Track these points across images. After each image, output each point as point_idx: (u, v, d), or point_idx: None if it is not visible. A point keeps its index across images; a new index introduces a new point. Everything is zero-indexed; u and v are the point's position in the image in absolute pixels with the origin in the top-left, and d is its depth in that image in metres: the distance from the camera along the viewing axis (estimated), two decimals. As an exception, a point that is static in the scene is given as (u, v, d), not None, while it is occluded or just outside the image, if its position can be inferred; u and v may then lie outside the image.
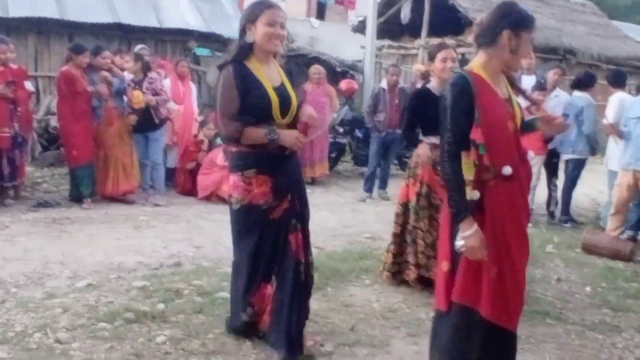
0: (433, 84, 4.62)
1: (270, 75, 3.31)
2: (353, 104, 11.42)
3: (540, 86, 7.23)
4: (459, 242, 2.68)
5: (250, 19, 3.24)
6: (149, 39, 10.86)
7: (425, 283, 4.53)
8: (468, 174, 2.64)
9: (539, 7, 16.10)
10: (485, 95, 2.65)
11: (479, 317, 2.72)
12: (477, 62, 2.77)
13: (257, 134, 3.20)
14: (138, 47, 8.70)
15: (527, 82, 7.87)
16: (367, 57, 13.31)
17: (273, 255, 3.38)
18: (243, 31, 3.26)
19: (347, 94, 11.02)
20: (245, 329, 3.57)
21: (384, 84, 8.76)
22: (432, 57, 4.60)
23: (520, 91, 2.97)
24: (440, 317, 2.92)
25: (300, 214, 3.45)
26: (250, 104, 3.20)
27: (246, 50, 3.27)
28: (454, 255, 2.77)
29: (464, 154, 2.64)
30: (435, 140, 4.14)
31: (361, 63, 13.76)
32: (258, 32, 3.22)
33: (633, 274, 5.36)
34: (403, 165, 10.44)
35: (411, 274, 4.57)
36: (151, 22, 11.02)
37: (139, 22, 10.83)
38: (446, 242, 2.83)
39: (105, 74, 7.30)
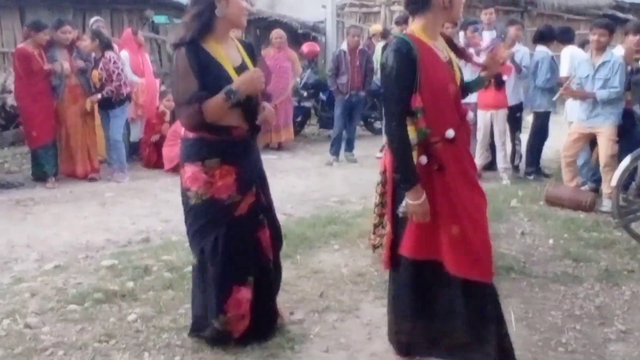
0: None
1: (230, 54, 3.02)
2: (316, 66, 11.36)
3: (500, 39, 7.29)
4: (402, 207, 2.74)
5: None
6: (103, 9, 10.60)
7: None
8: (413, 139, 2.68)
9: (499, -42, 16.04)
10: (427, 59, 2.67)
11: (445, 272, 2.77)
12: (417, 26, 2.78)
13: (216, 102, 2.88)
14: (93, 20, 8.52)
15: (488, 37, 7.91)
16: (329, 18, 13.19)
17: (245, 254, 3.09)
18: (210, 5, 2.89)
19: (310, 57, 10.95)
20: (219, 337, 3.19)
21: (344, 45, 8.71)
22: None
23: (460, 50, 2.98)
24: (394, 278, 2.98)
25: (265, 206, 3.22)
26: (210, 90, 2.90)
27: (209, 27, 2.92)
28: (397, 218, 2.82)
29: (408, 120, 2.67)
30: None
31: (323, 24, 13.64)
32: (232, 6, 2.92)
33: (594, 224, 5.51)
34: (369, 126, 10.50)
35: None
36: (103, -9, 10.73)
37: (92, -9, 10.54)
38: (389, 206, 2.88)
39: (65, 65, 7.12)
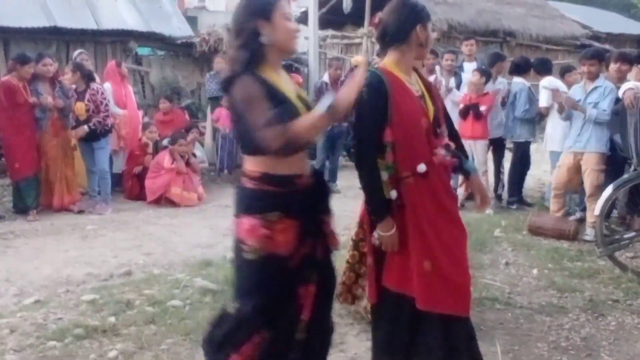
0: None
1: (287, 82, 2.67)
2: (299, 97, 11.38)
3: (482, 71, 7.37)
4: (374, 237, 2.76)
5: (263, 15, 2.54)
6: (87, 41, 10.63)
7: None
8: (384, 174, 2.68)
9: (478, -9, 16.35)
10: (398, 93, 2.68)
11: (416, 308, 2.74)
12: (390, 60, 2.79)
13: (312, 119, 2.42)
14: (76, 53, 8.52)
15: (469, 68, 8.02)
16: (311, 49, 13.27)
17: (278, 306, 2.71)
18: (253, 32, 2.52)
19: (293, 88, 10.98)
20: None
21: (326, 77, 8.78)
22: None
23: (428, 85, 2.96)
24: (375, 311, 2.95)
25: (321, 262, 2.73)
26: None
27: (260, 56, 2.54)
28: (377, 249, 2.81)
29: (378, 155, 2.67)
30: None
31: (306, 55, 13.74)
32: (278, 30, 2.55)
33: (577, 253, 5.53)
34: (352, 157, 10.51)
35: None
36: (89, 24, 10.77)
37: (76, 24, 10.57)
38: (368, 239, 2.86)
39: (49, 98, 7.10)
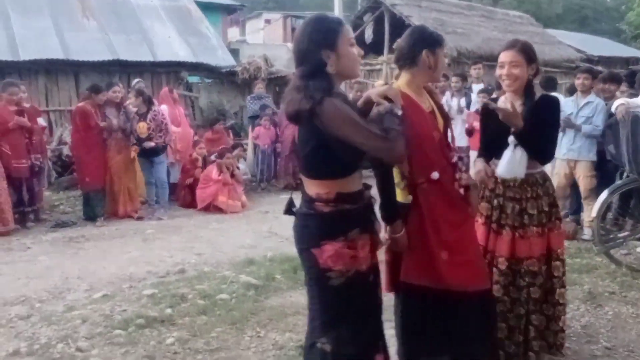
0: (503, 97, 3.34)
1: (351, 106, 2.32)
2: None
3: (487, 91, 7.28)
4: (386, 237, 2.67)
5: (328, 44, 2.25)
6: (145, 71, 10.81)
7: None
8: (400, 182, 2.66)
9: (483, 21, 16.23)
10: (410, 110, 2.63)
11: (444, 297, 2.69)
12: (402, 81, 2.78)
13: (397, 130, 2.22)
14: (135, 81, 8.67)
15: (477, 89, 7.94)
16: (357, 63, 13.34)
17: (378, 320, 2.51)
18: (319, 62, 2.24)
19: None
20: None
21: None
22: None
23: (438, 102, 2.90)
24: (399, 302, 2.90)
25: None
26: (347, 152, 2.23)
27: (330, 86, 2.24)
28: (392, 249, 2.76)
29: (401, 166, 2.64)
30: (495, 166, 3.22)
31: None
32: (344, 58, 2.28)
33: (577, 251, 5.42)
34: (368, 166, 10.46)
35: None
36: (146, 56, 10.97)
37: (135, 57, 10.78)
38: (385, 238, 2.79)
39: (115, 121, 7.25)
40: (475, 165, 3.24)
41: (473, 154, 7.10)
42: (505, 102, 3.18)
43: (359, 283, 2.32)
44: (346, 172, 2.30)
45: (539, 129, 3.02)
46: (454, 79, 8.04)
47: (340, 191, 2.29)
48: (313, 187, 2.33)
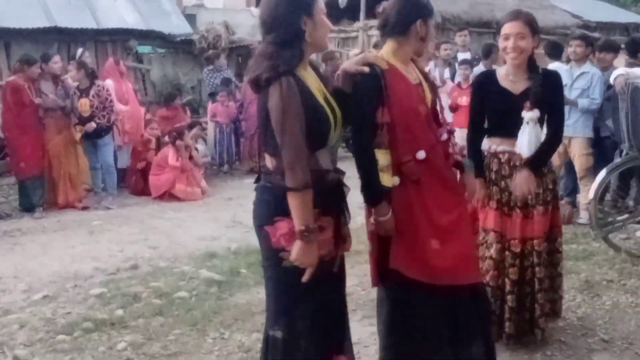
0: (502, 69, 3.49)
1: (315, 82, 2.45)
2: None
3: (469, 62, 7.30)
4: (371, 222, 2.74)
5: (307, 10, 2.36)
6: (88, 40, 10.57)
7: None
8: (383, 160, 2.66)
9: (470, -18, 16.27)
10: (394, 80, 2.67)
11: (434, 290, 2.74)
12: (388, 50, 2.78)
13: (308, 206, 2.30)
14: (80, 51, 8.49)
15: (463, 58, 7.98)
16: (328, 33, 13.27)
17: (341, 317, 2.61)
18: (299, 31, 2.34)
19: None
20: None
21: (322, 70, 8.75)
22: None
23: (426, 75, 2.95)
24: (383, 295, 2.95)
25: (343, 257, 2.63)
26: (310, 130, 2.32)
27: (301, 56, 2.37)
28: (378, 235, 2.80)
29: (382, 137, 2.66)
30: (504, 145, 3.39)
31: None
32: (319, 28, 2.40)
33: (572, 236, 5.53)
34: (350, 147, 10.49)
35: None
36: (88, 23, 10.71)
37: (76, 24, 10.51)
38: (368, 223, 2.84)
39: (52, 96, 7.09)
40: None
41: (457, 132, 7.14)
42: (507, 74, 3.35)
43: (317, 269, 2.35)
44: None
45: (552, 111, 3.28)
46: (444, 46, 8.02)
47: None
48: (270, 160, 2.43)
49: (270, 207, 2.41)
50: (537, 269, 3.32)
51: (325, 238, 2.40)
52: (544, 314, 3.40)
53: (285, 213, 2.33)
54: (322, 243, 2.38)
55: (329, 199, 2.42)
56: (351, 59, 2.60)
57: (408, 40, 2.76)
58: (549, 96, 3.27)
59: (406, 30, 2.74)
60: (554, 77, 3.41)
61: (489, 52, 7.68)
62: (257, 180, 2.53)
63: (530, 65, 3.32)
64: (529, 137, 3.25)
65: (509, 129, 3.31)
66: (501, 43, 3.32)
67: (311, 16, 2.36)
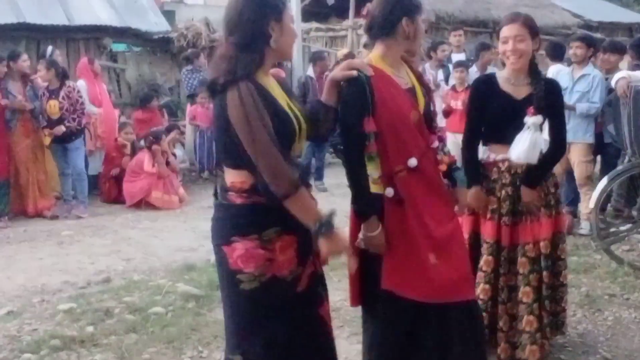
0: (503, 72, 3.53)
1: (277, 88, 2.46)
2: (282, 92, 11.38)
3: (464, 64, 7.32)
4: (360, 238, 2.73)
5: (276, 14, 2.37)
6: (59, 38, 10.53)
7: None
8: (374, 171, 2.67)
9: (466, -21, 16.39)
10: (383, 87, 2.67)
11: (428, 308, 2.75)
12: (376, 54, 2.79)
13: (308, 207, 2.34)
14: (49, 50, 8.45)
15: (457, 59, 8.02)
16: (295, 43, 13.29)
17: (308, 343, 2.50)
18: (264, 35, 2.34)
19: (275, 83, 10.97)
20: None
21: (310, 71, 8.77)
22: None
23: (420, 77, 2.96)
24: (368, 314, 2.94)
25: (322, 275, 2.60)
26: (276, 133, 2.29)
27: (262, 61, 2.36)
28: (363, 252, 2.79)
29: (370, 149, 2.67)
30: (504, 153, 3.39)
31: (289, 49, 13.73)
32: (285, 34, 2.41)
33: (573, 248, 5.54)
34: (339, 154, 10.51)
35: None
36: (60, 19, 10.67)
37: (46, 20, 10.47)
38: (351, 239, 2.81)
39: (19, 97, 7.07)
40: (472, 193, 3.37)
41: (450, 137, 7.18)
42: (508, 79, 3.39)
43: (278, 292, 2.36)
44: None
45: (554, 122, 3.36)
46: (443, 47, 8.04)
47: (257, 182, 2.32)
48: (229, 175, 2.40)
49: (227, 226, 2.40)
50: (544, 273, 3.38)
51: (287, 258, 2.37)
52: (549, 324, 3.44)
53: (242, 233, 2.33)
54: (284, 265, 2.37)
55: (291, 215, 2.33)
56: (335, 70, 2.61)
57: (396, 41, 2.76)
58: (550, 104, 3.32)
59: (392, 31, 2.74)
60: (555, 85, 3.50)
61: (479, 51, 7.71)
62: (215, 195, 2.51)
63: (532, 70, 3.37)
64: (528, 143, 3.26)
65: (510, 135, 3.32)
66: (500, 47, 3.38)
67: (279, 21, 2.37)
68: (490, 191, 3.42)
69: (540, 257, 3.38)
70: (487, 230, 3.41)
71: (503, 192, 3.39)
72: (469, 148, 3.53)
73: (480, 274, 3.40)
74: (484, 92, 3.47)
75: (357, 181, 2.67)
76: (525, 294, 3.34)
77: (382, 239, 2.69)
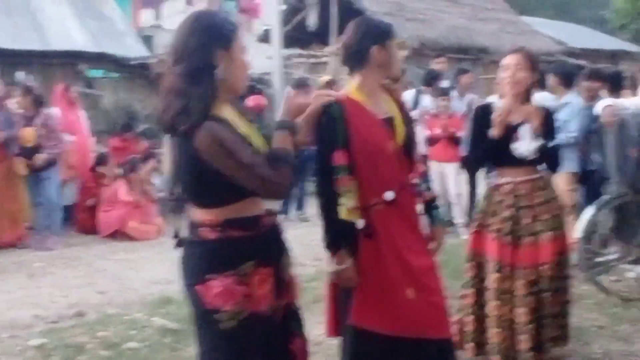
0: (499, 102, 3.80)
1: (243, 121, 2.36)
2: (263, 120, 11.41)
3: (444, 92, 7.41)
4: (329, 270, 2.76)
5: (223, 43, 2.27)
6: (34, 63, 10.52)
7: None
8: (349, 201, 2.68)
9: (448, 6, 16.66)
10: (358, 120, 2.71)
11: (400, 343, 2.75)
12: (353, 84, 2.84)
13: (285, 145, 2.37)
14: (23, 76, 8.45)
15: (441, 87, 8.11)
16: (276, 69, 13.36)
17: None
18: (208, 63, 2.23)
19: (256, 111, 11.01)
20: None
21: (293, 98, 8.78)
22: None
23: (401, 106, 2.99)
24: (342, 348, 2.93)
25: (294, 308, 2.55)
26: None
27: (213, 95, 2.24)
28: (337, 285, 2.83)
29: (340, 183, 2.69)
30: (506, 177, 3.68)
31: (269, 76, 13.80)
32: (235, 64, 2.30)
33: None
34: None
35: None
36: (34, 44, 10.70)
37: (21, 45, 10.50)
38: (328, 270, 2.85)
39: None
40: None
41: (434, 165, 7.23)
42: (506, 104, 3.62)
43: (257, 328, 2.33)
44: (235, 198, 2.30)
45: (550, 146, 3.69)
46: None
47: (229, 217, 2.30)
48: (199, 213, 2.36)
49: (201, 264, 2.33)
50: (544, 294, 3.57)
51: (264, 292, 2.33)
52: (551, 338, 3.64)
53: (218, 270, 2.28)
54: (261, 299, 2.32)
55: (265, 246, 2.35)
56: (308, 110, 2.64)
57: (370, 70, 2.80)
58: (544, 129, 3.63)
59: (365, 61, 2.79)
60: (549, 116, 3.78)
61: (456, 76, 7.82)
62: (176, 237, 2.47)
63: (526, 99, 3.64)
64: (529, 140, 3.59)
65: (509, 159, 3.60)
66: (501, 75, 3.65)
67: (227, 50, 2.27)
68: (494, 213, 3.65)
69: (539, 281, 3.56)
70: (492, 250, 3.61)
71: (507, 212, 3.60)
72: (472, 167, 3.91)
73: (488, 293, 3.61)
74: (484, 120, 3.71)
75: (327, 214, 2.72)
76: (519, 315, 3.52)
77: (351, 272, 2.70)
